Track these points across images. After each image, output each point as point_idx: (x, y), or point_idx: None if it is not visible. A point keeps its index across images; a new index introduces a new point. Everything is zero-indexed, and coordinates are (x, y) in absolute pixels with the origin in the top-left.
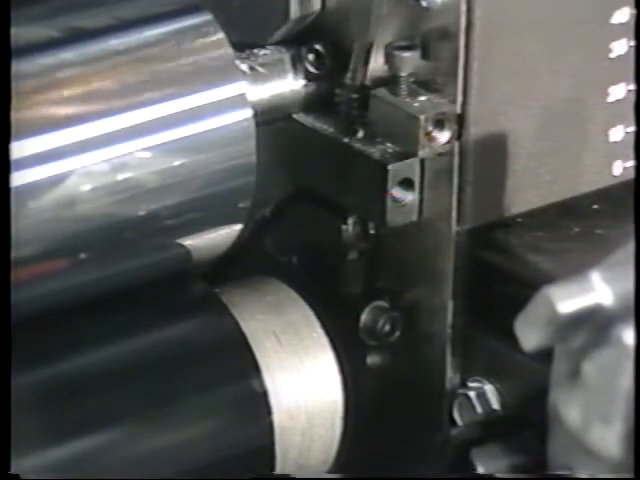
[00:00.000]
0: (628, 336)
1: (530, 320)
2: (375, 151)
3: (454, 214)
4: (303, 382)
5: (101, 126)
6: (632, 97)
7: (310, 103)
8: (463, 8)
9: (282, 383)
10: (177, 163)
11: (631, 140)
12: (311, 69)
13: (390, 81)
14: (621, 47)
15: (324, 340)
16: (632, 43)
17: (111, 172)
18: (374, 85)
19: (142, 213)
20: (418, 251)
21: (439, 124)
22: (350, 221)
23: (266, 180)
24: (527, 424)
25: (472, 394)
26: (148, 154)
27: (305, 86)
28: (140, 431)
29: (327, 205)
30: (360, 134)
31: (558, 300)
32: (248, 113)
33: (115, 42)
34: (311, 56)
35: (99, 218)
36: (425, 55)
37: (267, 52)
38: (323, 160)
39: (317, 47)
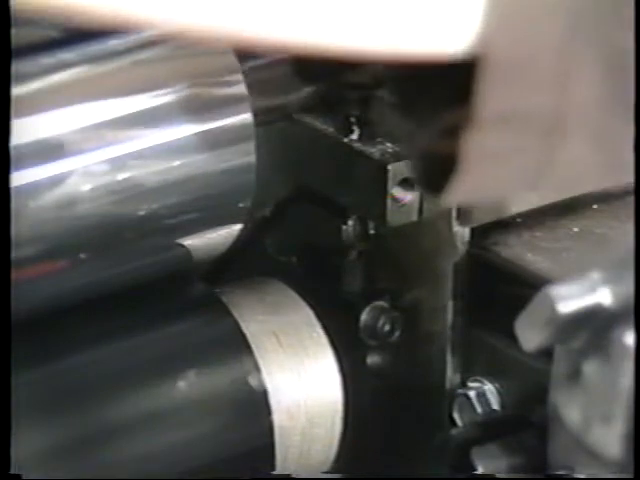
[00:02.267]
0: (628, 336)
1: (531, 320)
2: (375, 151)
3: (454, 214)
4: (303, 382)
5: (101, 126)
6: None
7: (310, 103)
8: None
9: (282, 383)
10: (177, 163)
11: None
12: None
13: None
14: None
15: (324, 340)
16: None
17: (111, 172)
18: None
19: (142, 213)
20: (418, 251)
21: None
22: (350, 221)
23: (266, 180)
24: (527, 424)
25: (472, 394)
26: (148, 154)
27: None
28: (140, 431)
29: (327, 205)
30: (360, 134)
31: (559, 300)
32: (248, 113)
33: (115, 42)
34: None
35: (99, 218)
36: None
37: None
38: (323, 160)
39: None
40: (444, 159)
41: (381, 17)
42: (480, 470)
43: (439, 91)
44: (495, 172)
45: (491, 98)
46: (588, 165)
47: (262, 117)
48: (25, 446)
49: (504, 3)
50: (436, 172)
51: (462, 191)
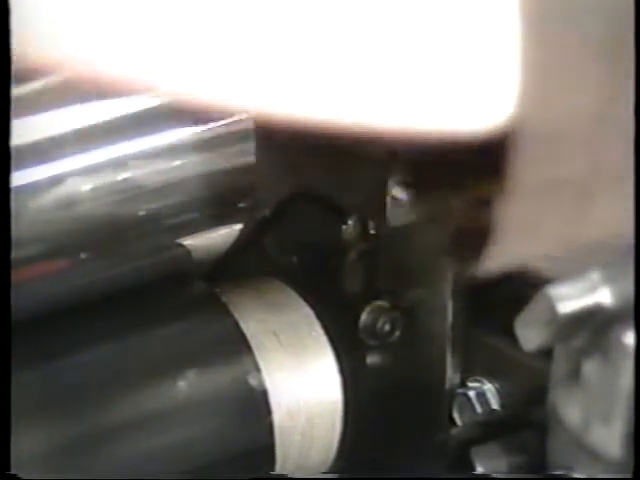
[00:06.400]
0: (628, 336)
1: (531, 320)
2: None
3: None
4: (303, 382)
5: (101, 125)
6: None
7: None
8: None
9: (282, 383)
10: (177, 163)
11: None
12: None
13: None
14: None
15: (324, 340)
16: None
17: (111, 172)
18: None
19: (142, 213)
20: (418, 251)
21: None
22: (350, 221)
23: (266, 180)
24: (527, 424)
25: (472, 394)
26: (148, 154)
27: None
28: (140, 431)
29: (327, 205)
30: None
31: (559, 300)
32: None
33: None
34: None
35: (99, 218)
36: None
37: None
38: (323, 160)
39: None
40: (478, 229)
41: (415, 97)
42: (480, 470)
43: (472, 163)
44: (529, 239)
45: (525, 169)
46: (617, 221)
47: None
48: (25, 446)
49: (538, 76)
50: (470, 242)
51: (497, 259)
